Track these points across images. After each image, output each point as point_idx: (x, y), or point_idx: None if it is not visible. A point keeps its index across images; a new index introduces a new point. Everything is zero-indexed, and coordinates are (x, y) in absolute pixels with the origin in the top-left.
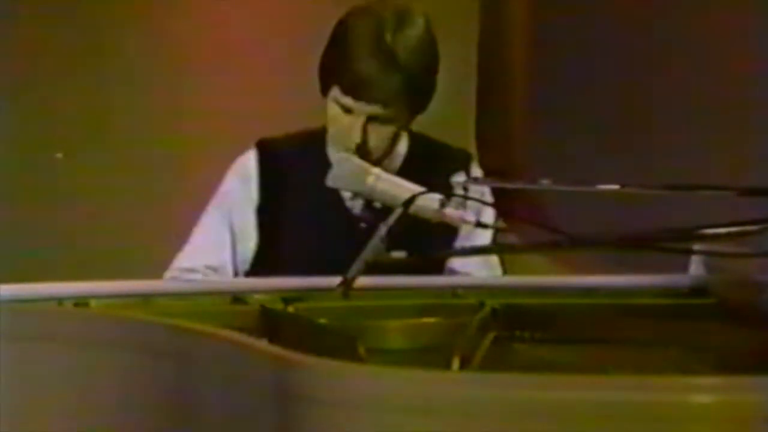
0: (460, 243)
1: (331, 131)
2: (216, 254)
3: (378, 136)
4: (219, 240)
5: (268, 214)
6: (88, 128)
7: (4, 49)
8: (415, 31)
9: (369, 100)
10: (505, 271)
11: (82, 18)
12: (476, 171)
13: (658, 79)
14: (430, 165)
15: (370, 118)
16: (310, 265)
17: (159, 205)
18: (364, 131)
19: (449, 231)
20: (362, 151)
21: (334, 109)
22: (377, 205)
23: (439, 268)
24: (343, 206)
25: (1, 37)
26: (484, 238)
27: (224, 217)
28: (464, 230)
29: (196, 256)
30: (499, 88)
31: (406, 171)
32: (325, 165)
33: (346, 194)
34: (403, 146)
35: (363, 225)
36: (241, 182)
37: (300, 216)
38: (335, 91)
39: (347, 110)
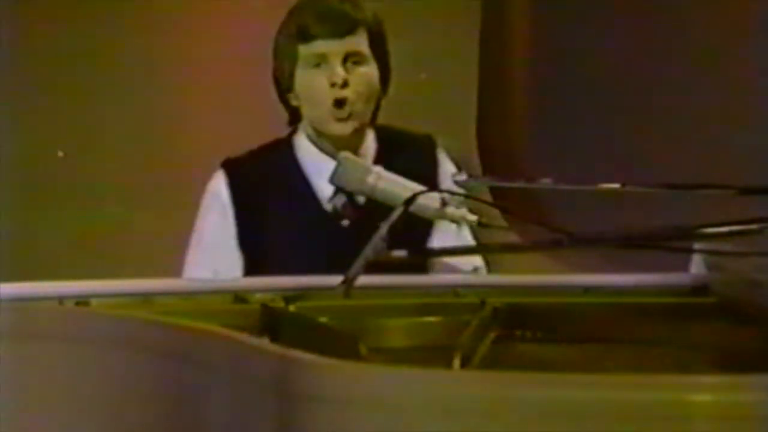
0: (436, 239)
1: (311, 103)
2: None
3: (357, 79)
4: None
5: (249, 233)
6: (90, 127)
7: (6, 49)
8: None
9: (335, 32)
10: (487, 263)
11: (83, 19)
12: (443, 157)
13: (658, 79)
14: (398, 155)
15: (345, 59)
16: (298, 271)
17: (159, 205)
18: (345, 70)
19: (421, 226)
20: (347, 95)
21: (307, 78)
22: (360, 200)
23: (423, 265)
24: (321, 208)
25: (3, 38)
26: (457, 233)
27: (207, 252)
28: (440, 225)
29: None
30: (500, 87)
31: (379, 162)
32: (297, 170)
33: (324, 195)
34: (371, 139)
35: (345, 222)
36: (216, 211)
37: (280, 226)
38: (303, 53)
39: (317, 64)
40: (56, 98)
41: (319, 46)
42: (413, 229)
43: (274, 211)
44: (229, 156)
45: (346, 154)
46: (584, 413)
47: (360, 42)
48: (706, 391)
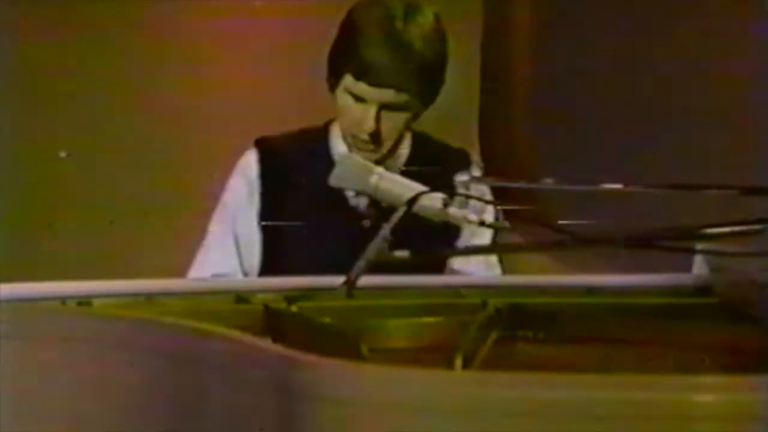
0: (463, 243)
1: (342, 122)
2: (224, 263)
3: (389, 125)
4: (225, 249)
5: (271, 214)
6: (92, 127)
7: (8, 47)
8: (424, 20)
9: (382, 85)
10: (503, 271)
11: (86, 16)
12: (476, 171)
13: (659, 79)
14: (432, 164)
15: (383, 106)
16: (315, 263)
17: (163, 204)
18: (377, 119)
19: (451, 231)
20: (374, 139)
21: (344, 100)
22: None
23: (440, 268)
24: (346, 204)
25: (5, 35)
26: (486, 237)
27: (228, 224)
28: (467, 230)
29: (204, 266)
30: (502, 87)
31: (409, 165)
32: (328, 162)
33: (350, 192)
34: (405, 145)
35: (367, 223)
36: (243, 185)
37: (303, 214)
38: (347, 80)
39: (359, 99)
40: (57, 98)
41: (363, 88)
42: (440, 234)
43: (300, 199)
44: (263, 135)
45: (347, 154)
46: (585, 414)
47: (402, 96)
48: (707, 392)
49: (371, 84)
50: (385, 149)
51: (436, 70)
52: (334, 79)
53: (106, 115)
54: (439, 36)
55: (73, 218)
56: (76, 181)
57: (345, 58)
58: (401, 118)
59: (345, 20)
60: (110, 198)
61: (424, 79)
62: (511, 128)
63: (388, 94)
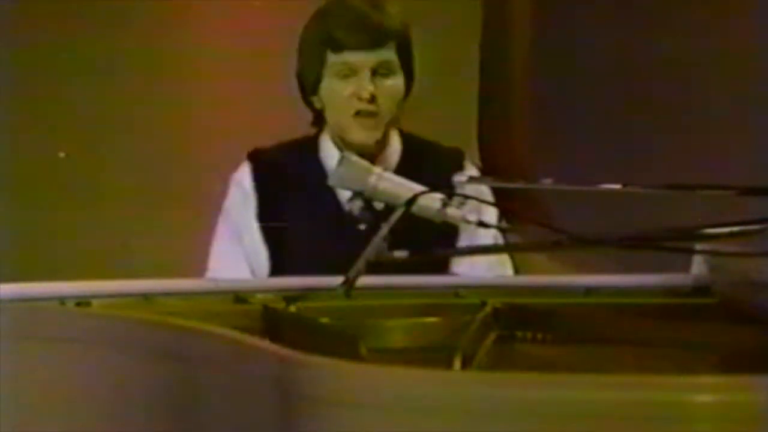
0: (461, 244)
1: (336, 109)
2: (235, 274)
3: (384, 92)
4: (234, 260)
5: (269, 223)
6: (92, 128)
7: (8, 47)
8: (389, 5)
9: (366, 44)
10: (516, 271)
11: (85, 19)
12: (471, 169)
13: (658, 79)
14: (424, 164)
15: (374, 71)
16: (314, 270)
17: (162, 205)
18: (372, 81)
19: (450, 232)
20: (372, 101)
21: (332, 85)
22: (377, 206)
23: (440, 269)
24: (341, 209)
25: (5, 36)
26: (486, 238)
27: (234, 235)
28: (465, 230)
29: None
30: (501, 88)
31: (401, 170)
32: (320, 170)
33: (344, 197)
34: (396, 145)
35: (362, 226)
36: (240, 197)
37: (300, 222)
38: (330, 61)
39: (346, 75)
40: (57, 98)
41: (349, 56)
42: (440, 234)
43: (294, 207)
44: (256, 147)
45: (346, 154)
46: (584, 414)
47: (389, 53)
48: (706, 392)
49: (353, 48)
50: (383, 123)
51: (408, 41)
52: (310, 82)
53: (104, 116)
54: (403, 17)
55: (72, 218)
56: (75, 181)
57: (322, 43)
58: (392, 86)
59: (307, 36)
60: (109, 198)
61: (400, 42)
62: (511, 128)
63: (373, 55)
